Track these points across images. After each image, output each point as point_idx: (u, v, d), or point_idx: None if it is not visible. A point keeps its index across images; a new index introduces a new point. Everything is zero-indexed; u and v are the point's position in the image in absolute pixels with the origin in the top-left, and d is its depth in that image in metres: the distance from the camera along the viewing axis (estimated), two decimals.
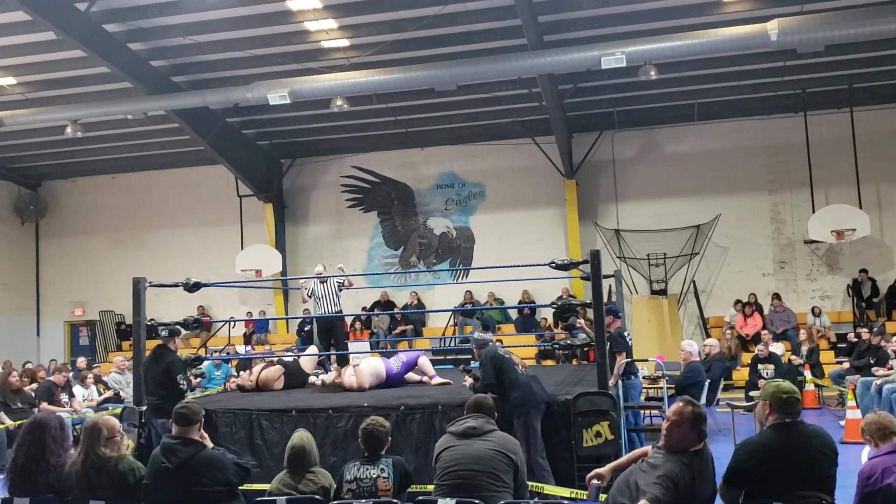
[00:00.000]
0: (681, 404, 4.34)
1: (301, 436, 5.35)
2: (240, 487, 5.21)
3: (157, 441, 7.23)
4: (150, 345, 8.48)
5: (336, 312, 10.47)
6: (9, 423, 10.90)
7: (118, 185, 21.82)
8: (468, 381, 7.69)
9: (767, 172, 18.25)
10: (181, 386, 8.02)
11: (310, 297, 10.64)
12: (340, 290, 10.56)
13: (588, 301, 7.85)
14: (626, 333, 9.77)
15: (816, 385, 13.70)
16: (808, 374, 13.69)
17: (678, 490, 4.06)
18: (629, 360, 9.42)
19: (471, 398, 5.44)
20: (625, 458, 5.14)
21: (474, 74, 14.33)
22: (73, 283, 22.03)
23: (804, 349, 14.48)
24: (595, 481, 4.70)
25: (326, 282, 10.49)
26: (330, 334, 10.49)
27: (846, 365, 13.55)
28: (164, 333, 8.45)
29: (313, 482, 5.09)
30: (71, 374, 13.54)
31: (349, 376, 8.95)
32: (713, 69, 15.99)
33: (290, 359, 10.54)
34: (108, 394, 13.08)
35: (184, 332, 9.48)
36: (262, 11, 13.85)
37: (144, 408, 8.00)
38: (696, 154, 18.53)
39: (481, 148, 19.47)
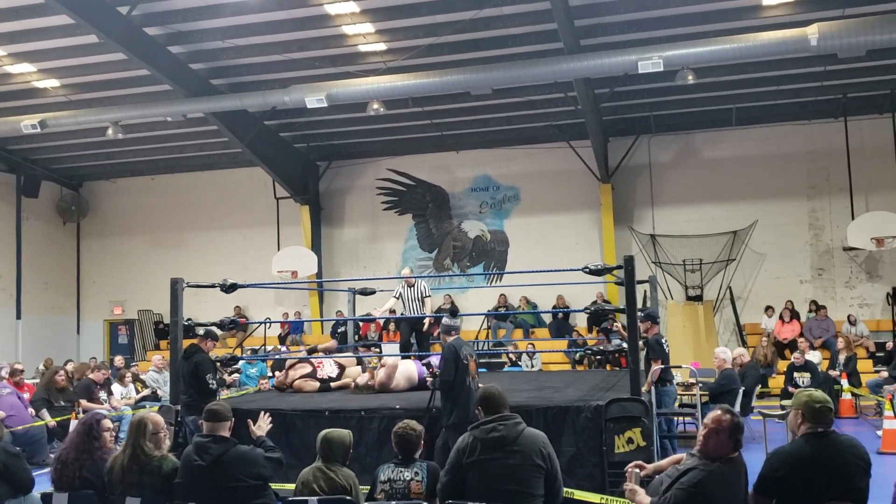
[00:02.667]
0: (719, 412, 4.31)
1: (335, 430, 5.33)
2: (274, 486, 5.29)
3: (190, 438, 7.37)
4: (188, 344, 8.63)
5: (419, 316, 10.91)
6: (48, 419, 11.15)
7: (157, 186, 22.18)
8: (429, 380, 7.55)
9: (806, 178, 18.01)
10: (210, 385, 8.14)
11: (397, 298, 11.20)
12: (423, 300, 11.14)
13: (622, 306, 7.81)
14: (663, 340, 9.68)
15: (854, 394, 13.50)
16: (845, 383, 13.49)
17: (695, 499, 4.09)
18: (664, 366, 9.36)
19: (481, 393, 5.15)
20: (665, 461, 5.16)
21: (510, 78, 14.32)
22: (113, 283, 22.43)
23: (841, 358, 14.26)
24: (636, 470, 4.72)
25: (413, 286, 10.95)
26: (412, 333, 11.09)
27: (884, 374, 13.33)
28: (200, 332, 8.58)
29: (333, 479, 5.06)
30: (110, 372, 13.81)
31: (379, 374, 9.02)
32: (752, 73, 15.81)
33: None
34: (146, 392, 13.30)
35: (220, 333, 9.62)
36: (300, 15, 14.01)
37: (180, 406, 8.15)
38: (734, 159, 18.34)
39: (516, 151, 19.47)
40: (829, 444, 4.24)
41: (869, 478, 4.25)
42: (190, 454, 5.06)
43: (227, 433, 5.19)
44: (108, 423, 5.43)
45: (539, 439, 4.90)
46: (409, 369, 9.20)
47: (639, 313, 9.92)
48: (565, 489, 6.15)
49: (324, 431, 5.29)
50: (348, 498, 4.89)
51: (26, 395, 11.86)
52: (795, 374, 13.19)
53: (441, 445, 6.72)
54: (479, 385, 6.86)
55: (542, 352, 16.36)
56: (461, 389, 6.77)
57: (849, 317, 16.87)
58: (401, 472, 5.07)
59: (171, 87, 15.70)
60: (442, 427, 6.76)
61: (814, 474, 4.14)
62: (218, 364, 9.07)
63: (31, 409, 11.21)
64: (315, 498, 4.82)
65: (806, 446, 4.24)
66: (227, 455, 5.01)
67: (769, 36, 12.88)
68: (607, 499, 6.18)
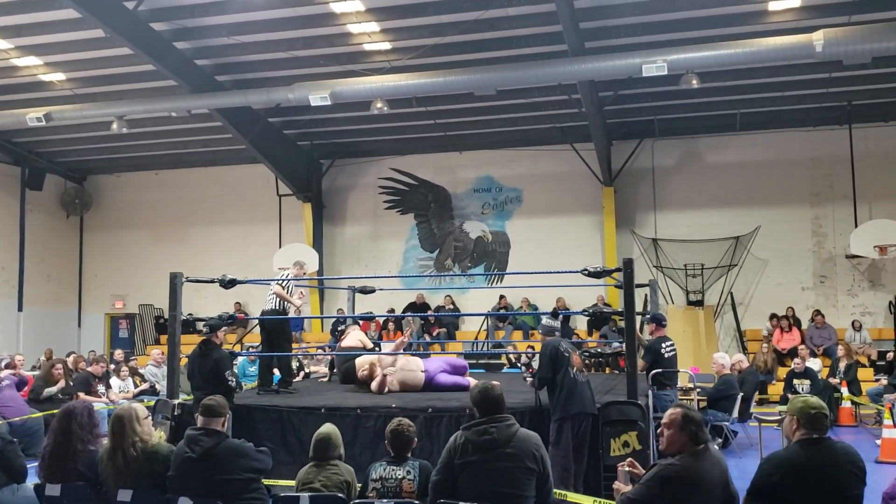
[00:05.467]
0: (671, 409, 4.43)
1: (328, 427, 5.42)
2: (267, 482, 5.29)
3: None
4: (186, 339, 8.58)
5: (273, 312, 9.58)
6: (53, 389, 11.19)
7: (161, 181, 22.20)
8: (529, 380, 7.52)
9: (810, 185, 17.97)
10: (230, 382, 7.90)
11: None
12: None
13: (621, 309, 7.81)
14: (664, 344, 9.60)
15: (854, 403, 13.46)
16: (845, 391, 13.46)
17: (650, 492, 4.20)
18: (660, 370, 9.35)
19: (477, 391, 5.04)
20: None
21: (514, 80, 14.32)
22: (115, 277, 22.46)
23: (842, 366, 14.23)
24: (625, 468, 4.77)
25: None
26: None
27: (884, 382, 13.30)
28: (205, 329, 8.36)
29: (335, 474, 5.13)
30: (112, 365, 13.84)
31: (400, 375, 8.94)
32: (757, 79, 15.80)
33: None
34: (144, 386, 13.33)
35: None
36: (306, 13, 14.02)
37: (178, 401, 8.09)
38: (738, 164, 18.31)
39: (519, 153, 19.45)
40: (824, 450, 4.23)
41: (864, 486, 4.23)
42: (182, 447, 5.06)
43: (220, 428, 5.19)
44: (90, 414, 5.39)
45: (532, 441, 4.85)
46: (414, 378, 9.14)
47: (645, 315, 9.93)
48: (559, 491, 6.16)
49: (316, 433, 5.34)
50: (340, 495, 4.89)
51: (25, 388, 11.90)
52: (795, 381, 13.15)
53: (554, 440, 6.77)
54: (587, 378, 7.12)
55: None
56: (565, 381, 6.86)
57: (853, 322, 16.81)
58: (393, 470, 5.06)
59: (176, 83, 15.71)
60: (553, 421, 6.81)
61: (808, 480, 4.13)
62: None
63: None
64: (307, 494, 4.82)
65: (800, 452, 4.23)
66: (217, 448, 5.01)
67: (774, 41, 12.87)
68: (601, 502, 6.15)
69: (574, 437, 6.83)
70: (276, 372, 11.85)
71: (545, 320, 7.66)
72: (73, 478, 5.03)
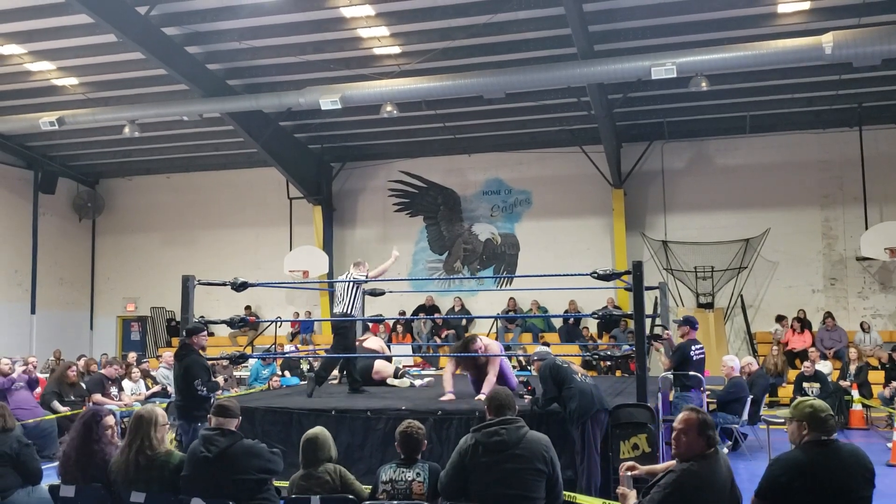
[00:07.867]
0: (686, 412, 4.44)
1: (316, 429, 5.36)
2: (276, 483, 5.33)
3: (182, 440, 7.36)
4: (179, 345, 8.45)
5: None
6: (63, 410, 11.27)
7: (173, 184, 22.32)
8: (527, 399, 7.53)
9: (820, 187, 17.91)
10: (199, 391, 7.65)
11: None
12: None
13: (631, 312, 7.82)
14: (694, 347, 9.59)
15: (864, 405, 13.42)
16: (855, 393, 13.42)
17: (670, 499, 4.20)
18: (684, 373, 9.37)
19: (490, 394, 5.19)
20: (660, 465, 5.20)
21: (523, 82, 14.34)
22: (127, 280, 22.58)
23: (853, 368, 14.19)
24: (627, 473, 4.82)
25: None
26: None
27: (895, 385, 13.27)
28: (183, 334, 8.20)
29: (324, 475, 5.10)
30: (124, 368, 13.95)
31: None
32: (766, 81, 15.77)
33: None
34: (156, 388, 13.42)
35: (231, 331, 9.58)
36: (316, 18, 14.08)
37: (175, 409, 8.12)
38: (747, 167, 18.27)
39: (528, 155, 19.47)
40: (833, 452, 4.25)
41: (873, 487, 4.24)
42: (196, 447, 5.10)
43: (234, 428, 5.24)
44: (109, 419, 5.41)
45: (542, 444, 4.92)
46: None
47: (655, 317, 9.96)
48: (569, 493, 6.19)
49: (304, 436, 5.29)
50: (350, 497, 4.93)
51: (37, 390, 12.00)
52: (805, 384, 13.13)
53: (580, 446, 6.84)
54: (590, 380, 7.23)
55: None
56: (574, 386, 6.94)
57: (862, 324, 16.75)
58: (403, 472, 5.09)
59: (187, 87, 15.81)
60: (575, 427, 6.87)
61: (816, 482, 4.14)
62: (226, 362, 9.02)
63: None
64: (317, 497, 4.86)
65: (809, 454, 4.24)
66: (232, 448, 5.06)
67: (784, 44, 12.85)
68: None
69: (601, 433, 6.94)
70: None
71: (538, 349, 7.78)
72: (90, 479, 5.09)
